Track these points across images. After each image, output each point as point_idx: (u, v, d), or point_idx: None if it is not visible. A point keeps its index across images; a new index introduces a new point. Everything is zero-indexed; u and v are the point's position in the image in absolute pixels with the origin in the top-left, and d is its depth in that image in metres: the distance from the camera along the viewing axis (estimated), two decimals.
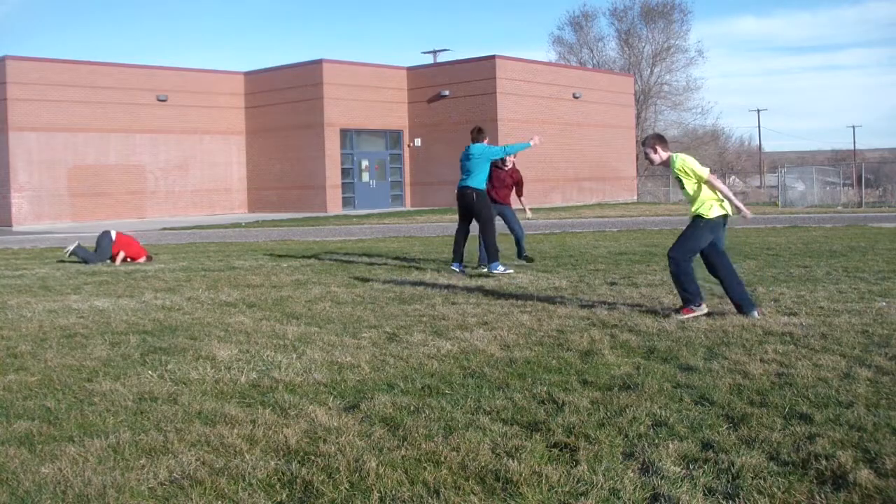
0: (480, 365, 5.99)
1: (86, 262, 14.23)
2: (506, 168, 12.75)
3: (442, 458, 4.06)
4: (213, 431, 4.56)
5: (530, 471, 3.86)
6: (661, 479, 3.76)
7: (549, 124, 37.04)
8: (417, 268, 12.52)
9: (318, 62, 35.09)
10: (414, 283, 10.56)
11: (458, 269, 11.61)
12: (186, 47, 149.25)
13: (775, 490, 3.62)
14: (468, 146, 11.68)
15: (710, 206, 7.64)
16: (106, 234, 14.59)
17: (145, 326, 7.88)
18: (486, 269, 11.72)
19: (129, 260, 14.49)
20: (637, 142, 42.42)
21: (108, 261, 14.35)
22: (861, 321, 7.27)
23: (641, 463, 3.98)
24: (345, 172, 36.16)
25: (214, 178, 36.46)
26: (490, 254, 11.58)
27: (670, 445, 4.16)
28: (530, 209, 14.10)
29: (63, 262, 14.83)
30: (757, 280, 10.20)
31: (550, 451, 4.16)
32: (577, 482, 3.74)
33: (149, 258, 14.82)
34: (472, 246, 12.93)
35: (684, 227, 7.95)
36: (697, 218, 7.72)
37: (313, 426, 4.63)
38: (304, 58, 37.76)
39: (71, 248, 14.55)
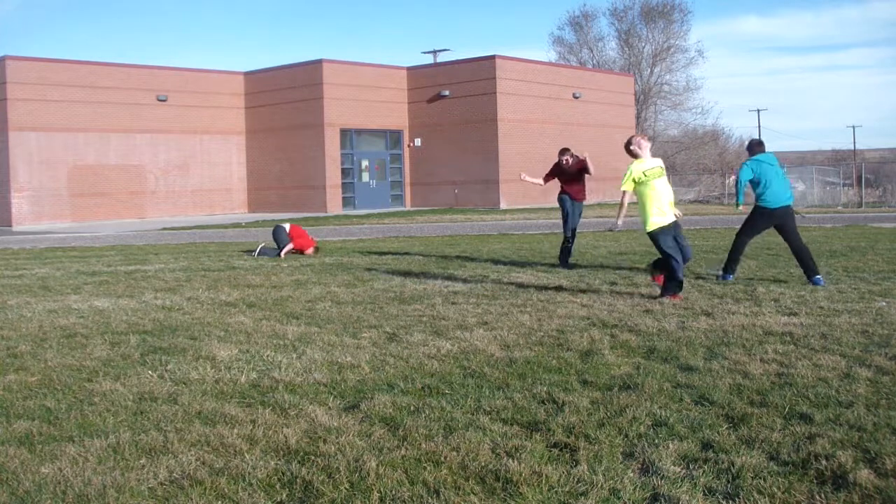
0: (480, 365, 5.99)
1: (272, 257, 14.69)
2: (568, 166, 12.48)
3: (442, 458, 4.06)
4: (213, 431, 4.56)
5: (530, 471, 3.86)
6: (661, 479, 3.76)
7: (548, 124, 37.04)
8: (417, 268, 12.52)
9: (318, 62, 35.09)
10: (414, 283, 10.56)
11: (731, 279, 10.28)
12: (186, 47, 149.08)
13: (775, 490, 3.62)
14: (767, 154, 10.23)
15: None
16: (280, 227, 15.19)
17: (145, 326, 7.88)
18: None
19: (296, 251, 14.96)
20: None
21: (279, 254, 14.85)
22: (861, 321, 7.27)
23: (641, 463, 3.98)
24: (345, 172, 36.16)
25: (214, 178, 36.45)
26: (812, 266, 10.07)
27: (670, 445, 4.16)
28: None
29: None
30: (757, 280, 10.20)
31: (550, 451, 4.16)
32: (577, 482, 3.75)
33: (316, 250, 15.31)
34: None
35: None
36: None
37: (313, 426, 4.63)
38: (304, 58, 37.77)
39: (258, 249, 15.12)
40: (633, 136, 9.18)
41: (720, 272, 10.51)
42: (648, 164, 8.92)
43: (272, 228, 15.65)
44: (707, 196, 47.12)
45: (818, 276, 9.83)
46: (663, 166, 9.15)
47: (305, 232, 15.53)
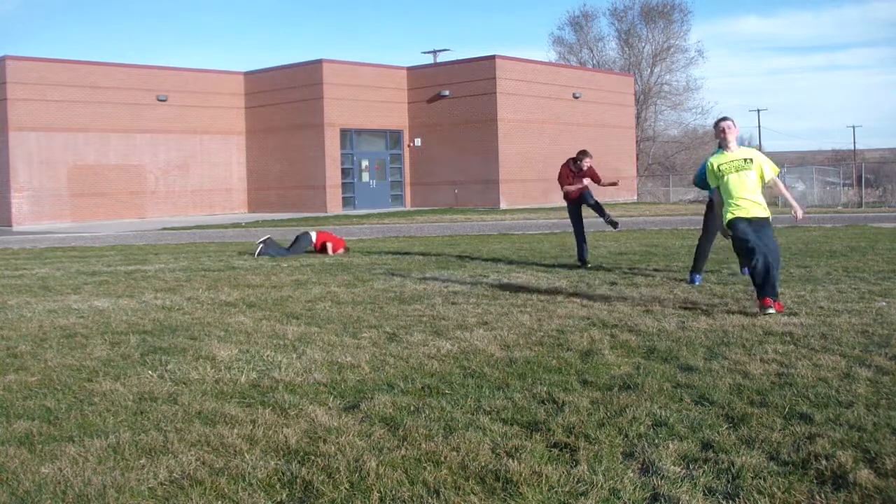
0: (480, 365, 5.99)
1: (273, 256, 14.73)
2: (584, 170, 12.70)
3: (442, 458, 4.06)
4: (213, 431, 4.56)
5: (530, 471, 3.86)
6: (661, 479, 3.76)
7: (548, 124, 37.06)
8: (417, 268, 12.52)
9: (318, 62, 35.10)
10: (414, 283, 10.56)
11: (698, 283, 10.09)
12: (186, 47, 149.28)
13: (775, 490, 3.62)
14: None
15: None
16: (306, 234, 15.52)
17: (145, 326, 7.88)
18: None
19: (331, 251, 15.17)
20: (637, 141, 42.34)
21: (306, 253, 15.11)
22: (861, 321, 7.27)
23: (641, 463, 3.98)
24: (345, 172, 36.18)
25: (214, 178, 36.47)
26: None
27: (670, 445, 4.16)
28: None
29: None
30: None
31: (550, 451, 4.16)
32: (577, 482, 3.74)
33: (346, 250, 15.51)
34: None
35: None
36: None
37: (313, 426, 4.63)
38: (304, 58, 37.83)
39: (258, 249, 15.08)
40: (725, 120, 8.21)
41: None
42: (727, 157, 8.03)
43: (299, 234, 15.87)
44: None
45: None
46: (749, 157, 8.05)
47: (334, 235, 15.86)
